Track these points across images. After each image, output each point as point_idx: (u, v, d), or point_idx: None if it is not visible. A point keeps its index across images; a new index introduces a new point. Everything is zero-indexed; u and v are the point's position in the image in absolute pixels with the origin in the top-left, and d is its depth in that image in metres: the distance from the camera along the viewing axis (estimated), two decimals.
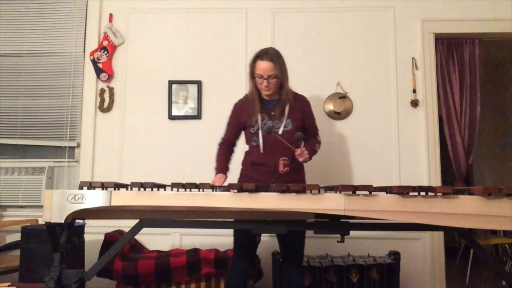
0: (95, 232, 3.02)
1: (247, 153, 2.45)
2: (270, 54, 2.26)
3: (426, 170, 3.25)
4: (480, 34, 3.41)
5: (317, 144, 2.46)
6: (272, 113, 2.34)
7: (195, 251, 2.89)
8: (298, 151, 2.24)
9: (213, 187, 1.84)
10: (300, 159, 2.26)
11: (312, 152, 2.38)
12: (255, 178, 2.27)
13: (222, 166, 2.42)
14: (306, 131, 2.41)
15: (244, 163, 2.45)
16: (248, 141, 2.42)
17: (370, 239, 3.12)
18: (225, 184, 2.24)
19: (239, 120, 2.40)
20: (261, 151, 2.30)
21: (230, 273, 2.35)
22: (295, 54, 3.38)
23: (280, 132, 2.29)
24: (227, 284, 2.40)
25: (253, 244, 2.33)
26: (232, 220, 1.96)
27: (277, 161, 2.29)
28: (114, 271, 2.74)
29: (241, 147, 2.52)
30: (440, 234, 3.23)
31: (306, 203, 1.68)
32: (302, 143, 2.30)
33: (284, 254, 2.39)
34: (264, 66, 2.24)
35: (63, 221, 1.69)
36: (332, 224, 1.84)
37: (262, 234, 2.30)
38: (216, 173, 2.38)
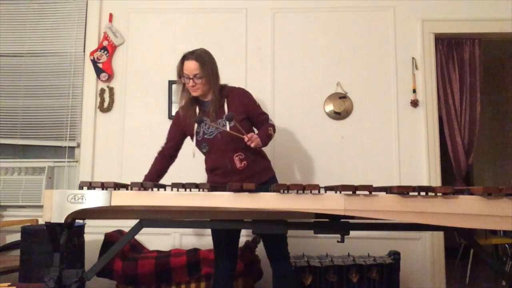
0: (95, 232, 3.02)
1: (205, 162, 2.39)
2: (196, 54, 2.24)
3: (426, 170, 3.25)
4: (480, 34, 3.41)
5: (270, 127, 2.32)
6: (211, 112, 2.26)
7: (195, 251, 2.89)
8: (246, 138, 2.16)
9: (213, 187, 1.84)
10: (252, 145, 2.16)
11: (266, 136, 2.28)
12: (218, 182, 2.20)
13: (150, 176, 2.34)
14: (254, 121, 2.35)
15: (206, 171, 2.41)
16: (199, 150, 2.36)
17: (370, 239, 3.12)
18: None
19: (181, 130, 2.37)
20: (209, 153, 2.28)
21: (216, 276, 2.30)
22: (295, 54, 3.38)
23: (227, 129, 2.21)
24: (213, 285, 2.33)
25: (235, 243, 2.31)
26: (232, 220, 1.95)
27: (232, 159, 2.25)
28: (114, 271, 2.73)
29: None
30: (440, 234, 3.23)
31: (306, 203, 1.68)
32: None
33: (269, 252, 2.32)
34: (189, 65, 2.22)
35: (63, 221, 1.69)
36: (332, 224, 1.83)
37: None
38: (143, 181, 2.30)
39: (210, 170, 2.34)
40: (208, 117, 2.27)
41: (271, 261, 2.33)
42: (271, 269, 2.34)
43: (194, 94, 2.28)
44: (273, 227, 1.85)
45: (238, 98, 2.33)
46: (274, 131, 2.35)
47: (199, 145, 2.32)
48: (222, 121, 2.24)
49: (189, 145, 3.33)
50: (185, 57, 2.26)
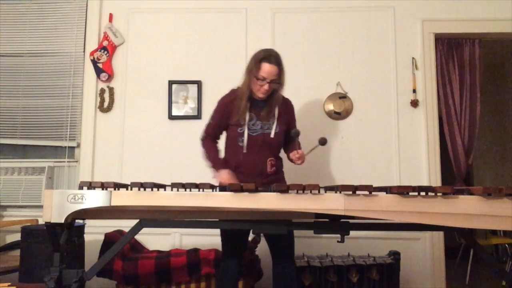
0: (95, 232, 3.02)
1: (229, 153, 2.36)
2: (276, 58, 2.23)
3: (426, 170, 3.25)
4: (480, 34, 3.41)
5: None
6: (262, 113, 2.29)
7: (195, 251, 2.89)
8: (297, 155, 2.22)
9: (213, 187, 1.84)
10: (299, 162, 2.25)
11: None
12: (242, 180, 2.19)
13: (220, 161, 2.31)
14: (288, 133, 2.38)
15: (227, 163, 2.33)
16: (232, 141, 2.33)
17: (370, 239, 3.12)
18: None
19: (225, 117, 2.33)
20: (244, 150, 2.26)
21: (222, 275, 2.29)
22: (295, 54, 3.38)
23: (272, 135, 2.28)
24: (218, 284, 2.32)
25: (243, 244, 2.32)
26: (232, 220, 1.95)
27: (265, 161, 2.28)
28: (114, 271, 2.73)
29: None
30: (440, 234, 3.23)
31: (306, 203, 1.68)
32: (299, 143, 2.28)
33: (275, 254, 2.33)
34: (270, 69, 2.20)
35: (63, 221, 1.69)
36: (332, 224, 1.83)
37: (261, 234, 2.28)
38: (217, 170, 2.25)
39: (237, 165, 2.29)
40: (258, 116, 2.29)
41: (276, 264, 2.33)
42: (274, 271, 2.34)
43: (261, 96, 2.27)
44: (273, 227, 1.85)
45: (287, 108, 2.39)
46: None
47: (238, 136, 2.29)
48: (269, 124, 2.29)
49: (189, 145, 3.34)
50: (265, 59, 2.21)
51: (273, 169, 2.31)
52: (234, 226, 1.97)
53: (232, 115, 2.29)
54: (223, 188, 1.81)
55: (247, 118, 2.27)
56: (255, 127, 2.28)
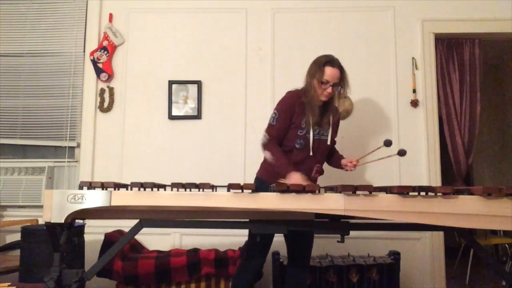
0: (95, 232, 3.02)
1: (289, 152, 2.31)
2: (338, 62, 2.29)
3: (426, 170, 3.25)
4: (480, 34, 3.41)
5: None
6: (322, 119, 2.31)
7: (195, 251, 2.89)
8: (354, 162, 2.34)
9: (213, 187, 1.84)
10: (352, 169, 2.36)
11: None
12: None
13: (290, 164, 2.21)
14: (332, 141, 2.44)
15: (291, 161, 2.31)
16: (288, 141, 2.29)
17: (370, 239, 3.12)
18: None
19: (288, 119, 2.28)
20: (311, 153, 2.28)
21: (243, 273, 2.30)
22: (295, 54, 3.38)
23: (328, 141, 2.35)
24: (237, 283, 2.31)
25: (269, 244, 2.33)
26: (232, 220, 1.95)
27: (313, 166, 2.32)
28: (114, 271, 2.74)
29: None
30: (440, 234, 3.23)
31: (306, 203, 1.68)
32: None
33: (292, 255, 2.36)
34: (333, 72, 2.25)
35: (63, 221, 1.69)
36: (332, 224, 1.84)
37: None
38: (289, 171, 2.15)
39: (295, 163, 2.28)
40: (317, 121, 2.30)
41: (290, 265, 2.36)
42: (289, 273, 2.36)
43: (324, 99, 2.30)
44: (273, 227, 1.85)
45: (338, 118, 2.47)
46: None
47: (296, 138, 2.28)
48: (323, 130, 2.33)
49: (189, 145, 3.34)
50: (328, 63, 2.27)
51: (317, 175, 2.35)
52: (234, 226, 1.97)
53: (295, 116, 2.29)
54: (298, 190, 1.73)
55: (310, 122, 2.28)
56: (314, 131, 2.30)
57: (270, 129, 2.29)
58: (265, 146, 2.27)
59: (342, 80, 2.28)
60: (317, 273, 2.74)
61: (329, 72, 2.25)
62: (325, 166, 2.46)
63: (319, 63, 2.28)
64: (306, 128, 2.28)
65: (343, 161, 2.40)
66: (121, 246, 1.84)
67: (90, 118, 3.41)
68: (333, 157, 2.51)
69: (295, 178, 2.11)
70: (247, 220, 1.91)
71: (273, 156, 2.23)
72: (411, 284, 3.17)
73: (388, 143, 2.22)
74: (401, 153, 2.23)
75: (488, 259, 1.89)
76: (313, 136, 2.29)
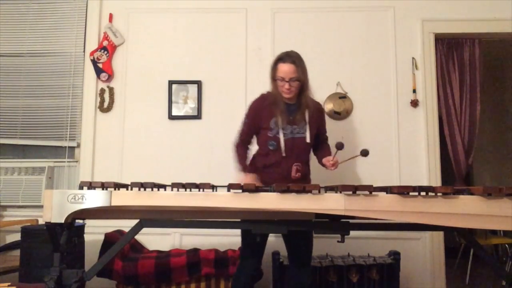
0: (95, 232, 3.02)
1: (258, 156, 2.40)
2: (292, 57, 2.25)
3: (426, 170, 3.25)
4: (480, 34, 3.41)
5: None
6: (291, 117, 2.30)
7: (195, 251, 2.89)
8: (332, 161, 2.27)
9: (213, 187, 1.84)
10: (332, 168, 2.30)
11: None
12: (267, 181, 2.20)
13: (247, 166, 2.35)
14: (318, 137, 2.42)
15: (253, 166, 2.38)
16: (262, 144, 2.36)
17: (370, 239, 3.12)
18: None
19: (256, 121, 2.35)
20: (283, 154, 2.27)
21: (238, 273, 2.31)
22: None
23: (307, 139, 2.30)
24: (234, 285, 2.33)
25: (262, 244, 2.32)
26: (232, 220, 1.95)
27: (290, 166, 2.29)
28: (114, 271, 2.73)
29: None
30: (440, 234, 3.23)
31: (306, 203, 1.68)
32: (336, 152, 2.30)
33: (292, 256, 2.35)
34: (285, 68, 2.23)
35: (63, 221, 1.69)
36: (332, 224, 1.83)
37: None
38: (244, 173, 2.31)
39: (264, 167, 2.33)
40: (287, 119, 2.29)
41: (292, 266, 2.35)
42: (291, 274, 2.35)
43: (287, 96, 2.29)
44: (273, 227, 1.85)
45: (317, 112, 2.40)
46: None
47: (268, 140, 2.30)
48: (298, 128, 2.30)
49: (189, 145, 3.34)
50: (280, 59, 2.26)
51: (298, 174, 2.29)
52: (234, 226, 1.97)
53: (263, 119, 2.31)
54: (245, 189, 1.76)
55: (279, 122, 2.28)
56: (285, 131, 2.29)
57: (238, 133, 2.43)
58: (234, 148, 2.42)
59: (298, 73, 2.24)
60: (317, 273, 2.74)
61: (282, 69, 2.24)
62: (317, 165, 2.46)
63: (273, 62, 2.29)
64: (276, 129, 2.28)
65: (323, 161, 2.36)
66: (121, 246, 1.84)
67: (90, 118, 3.41)
68: (319, 155, 2.45)
69: (246, 179, 2.22)
70: (247, 220, 1.91)
71: (236, 158, 2.38)
72: (411, 284, 3.17)
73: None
74: (364, 153, 2.20)
75: (488, 259, 1.89)
76: (284, 135, 2.28)
